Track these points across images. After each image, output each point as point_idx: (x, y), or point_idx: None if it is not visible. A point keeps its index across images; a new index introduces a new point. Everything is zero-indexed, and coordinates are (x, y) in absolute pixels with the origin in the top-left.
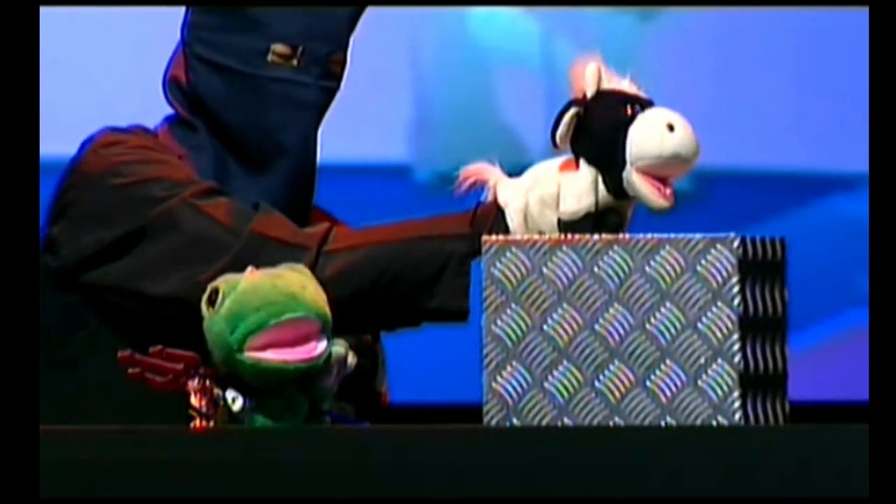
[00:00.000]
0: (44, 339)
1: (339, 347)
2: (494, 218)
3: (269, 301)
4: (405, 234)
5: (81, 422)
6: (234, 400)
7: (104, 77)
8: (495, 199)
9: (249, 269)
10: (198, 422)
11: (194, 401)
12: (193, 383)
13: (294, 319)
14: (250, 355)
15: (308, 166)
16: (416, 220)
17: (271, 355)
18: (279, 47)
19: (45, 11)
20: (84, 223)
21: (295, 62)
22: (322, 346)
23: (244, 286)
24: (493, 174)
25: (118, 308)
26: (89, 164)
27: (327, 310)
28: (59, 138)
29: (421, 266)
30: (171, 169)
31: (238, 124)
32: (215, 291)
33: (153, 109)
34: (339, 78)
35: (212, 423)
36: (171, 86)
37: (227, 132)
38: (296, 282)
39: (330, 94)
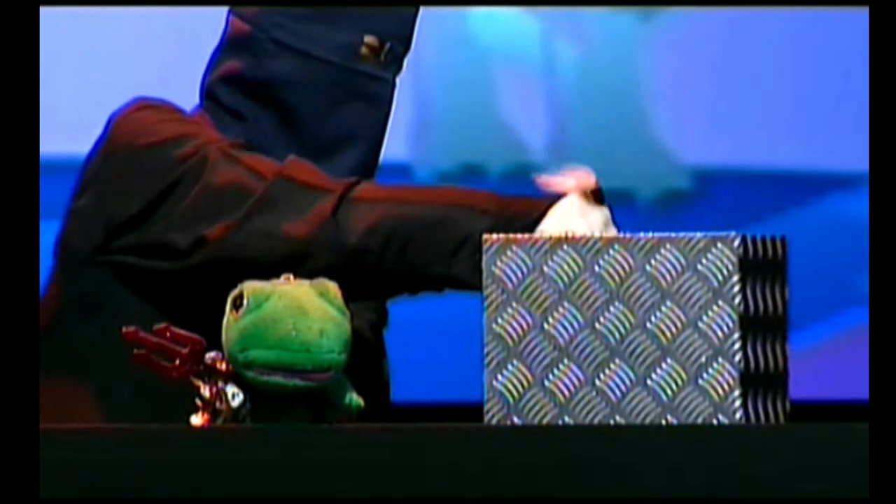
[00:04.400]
0: (56, 329)
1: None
2: (527, 208)
3: (284, 346)
4: (432, 197)
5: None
6: (234, 396)
7: (104, 77)
8: (550, 203)
9: (283, 277)
10: (201, 414)
11: (205, 392)
12: (200, 370)
13: (302, 370)
14: (253, 374)
15: (372, 163)
16: (447, 188)
17: (273, 378)
18: (371, 40)
19: (45, 11)
20: (114, 190)
21: (382, 57)
22: (326, 376)
23: (268, 312)
24: (574, 194)
25: (145, 273)
26: (119, 129)
27: (343, 355)
28: (59, 138)
29: (441, 233)
30: (203, 129)
31: (310, 112)
32: (240, 296)
33: None
34: None
35: (220, 419)
36: (222, 79)
37: (295, 119)
38: (315, 327)
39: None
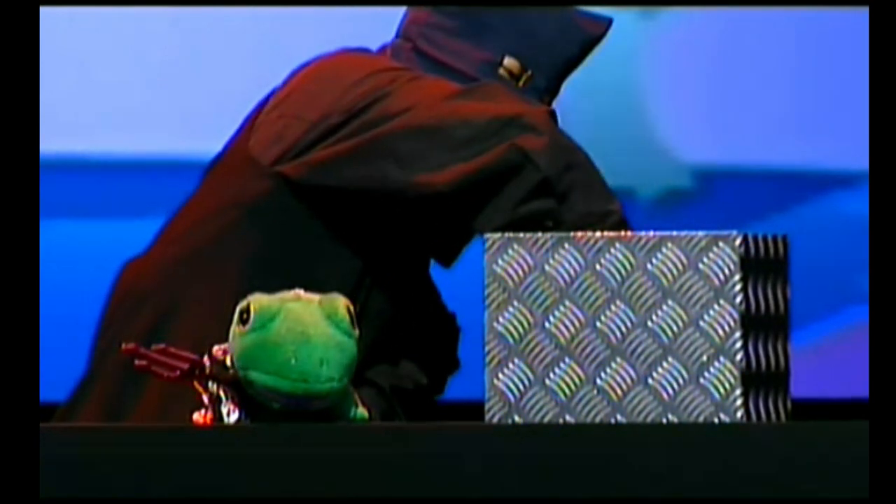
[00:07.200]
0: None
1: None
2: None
3: (282, 374)
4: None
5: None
6: (230, 413)
7: (104, 77)
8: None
9: (294, 291)
10: (203, 411)
11: (212, 387)
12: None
13: (297, 395)
14: (253, 392)
15: None
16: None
17: (271, 402)
18: (511, 63)
19: (44, 11)
20: (314, 104)
21: (520, 83)
22: (325, 403)
23: (270, 334)
24: None
25: (321, 183)
26: (321, 63)
27: (345, 380)
28: (59, 138)
29: (595, 200)
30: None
31: None
32: (247, 310)
33: (153, 109)
34: None
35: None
36: None
37: None
38: (316, 356)
39: None
